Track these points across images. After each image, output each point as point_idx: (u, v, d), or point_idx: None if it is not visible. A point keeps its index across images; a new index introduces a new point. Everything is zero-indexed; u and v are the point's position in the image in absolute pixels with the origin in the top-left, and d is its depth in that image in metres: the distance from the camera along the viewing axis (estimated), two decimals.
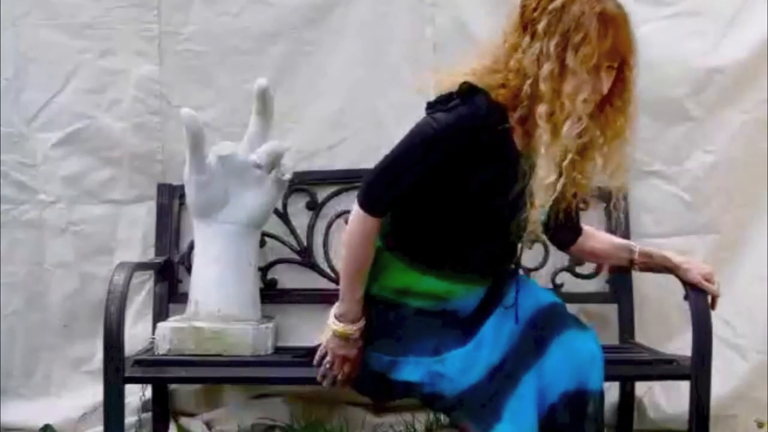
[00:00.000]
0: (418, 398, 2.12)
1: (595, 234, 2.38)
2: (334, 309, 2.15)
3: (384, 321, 2.12)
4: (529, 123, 2.01)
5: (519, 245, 2.12)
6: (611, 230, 2.92)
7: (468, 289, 2.11)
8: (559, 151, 1.96)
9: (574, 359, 2.02)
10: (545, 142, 1.95)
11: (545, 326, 2.04)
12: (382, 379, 2.13)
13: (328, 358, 2.16)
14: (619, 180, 2.10)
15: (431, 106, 2.05)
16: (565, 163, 1.97)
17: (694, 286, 2.33)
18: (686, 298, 2.39)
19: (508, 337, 2.05)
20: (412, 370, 2.07)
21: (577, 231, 2.32)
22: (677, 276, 2.36)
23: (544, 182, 1.97)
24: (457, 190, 2.02)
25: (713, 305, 2.36)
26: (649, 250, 2.36)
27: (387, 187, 2.04)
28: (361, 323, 2.12)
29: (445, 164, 2.00)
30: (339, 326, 2.12)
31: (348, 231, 2.08)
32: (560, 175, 1.98)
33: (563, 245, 2.37)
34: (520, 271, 2.18)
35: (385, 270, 2.11)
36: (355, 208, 2.06)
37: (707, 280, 2.33)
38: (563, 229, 2.21)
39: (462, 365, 2.04)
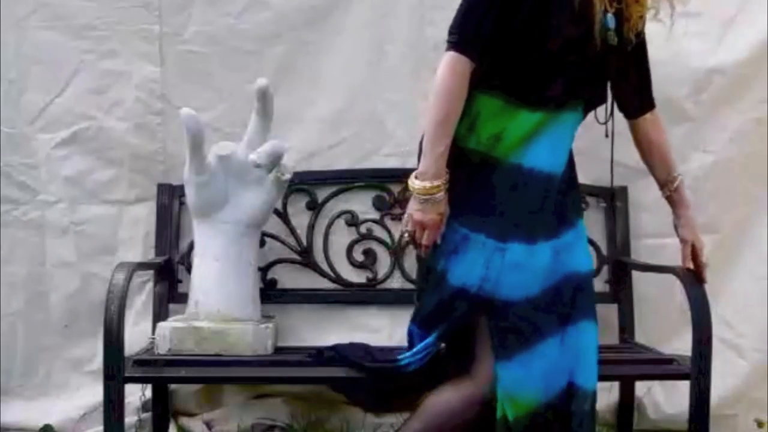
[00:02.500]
0: (462, 307, 2.12)
1: (659, 129, 2.37)
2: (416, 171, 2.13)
3: (472, 184, 2.11)
4: None
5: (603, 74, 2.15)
6: (611, 230, 2.93)
7: (561, 120, 2.10)
8: None
9: (577, 353, 2.10)
10: None
11: (573, 303, 2.10)
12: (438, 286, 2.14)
13: (408, 226, 2.15)
14: None
15: None
16: None
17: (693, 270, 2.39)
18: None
19: (549, 275, 2.10)
20: (474, 258, 2.08)
21: (647, 104, 2.33)
22: (675, 226, 2.40)
23: None
24: (538, 21, 2.04)
25: (699, 277, 2.39)
26: (681, 191, 2.36)
27: (476, 27, 2.05)
28: (443, 180, 2.08)
29: None
30: (418, 184, 2.08)
31: (438, 77, 2.07)
32: None
33: (629, 111, 2.34)
34: None
35: (479, 117, 2.10)
36: (446, 55, 2.07)
37: (697, 254, 2.36)
38: (635, 93, 2.26)
39: (516, 263, 2.07)
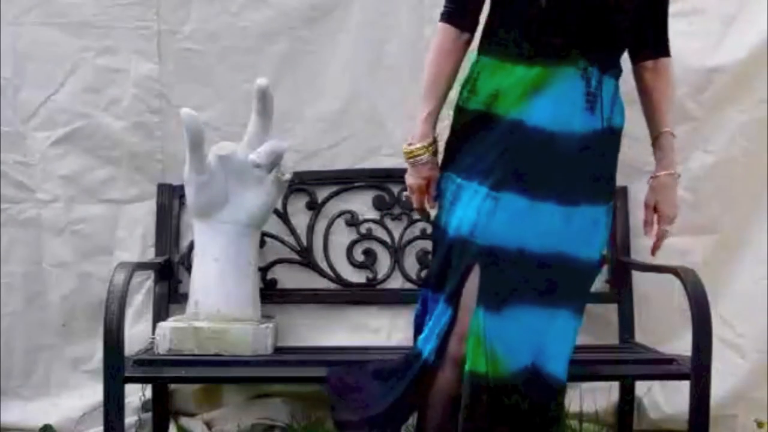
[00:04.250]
0: (457, 256, 2.09)
1: (663, 79, 2.27)
2: None
3: (470, 138, 2.13)
4: None
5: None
6: (611, 230, 2.93)
7: (560, 76, 2.08)
8: None
9: (552, 338, 2.08)
10: None
11: (562, 290, 2.08)
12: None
13: (407, 192, 2.25)
14: None
15: None
16: None
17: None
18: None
19: (556, 239, 2.08)
20: (466, 205, 2.09)
21: (660, 49, 2.27)
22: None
23: None
24: None
25: (654, 247, 2.29)
26: (663, 150, 2.25)
27: None
28: (426, 142, 2.15)
29: None
30: (405, 147, 2.18)
31: (431, 46, 2.17)
32: None
33: (637, 55, 2.27)
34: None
35: (479, 77, 2.14)
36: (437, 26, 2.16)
37: (663, 218, 2.24)
38: (647, 36, 2.22)
39: (512, 213, 2.06)
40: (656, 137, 2.26)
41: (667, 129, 2.25)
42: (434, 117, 2.17)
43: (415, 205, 2.25)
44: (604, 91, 2.12)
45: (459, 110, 2.18)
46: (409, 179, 2.21)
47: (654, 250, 2.31)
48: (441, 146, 2.23)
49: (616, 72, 2.18)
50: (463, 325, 2.09)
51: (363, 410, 2.20)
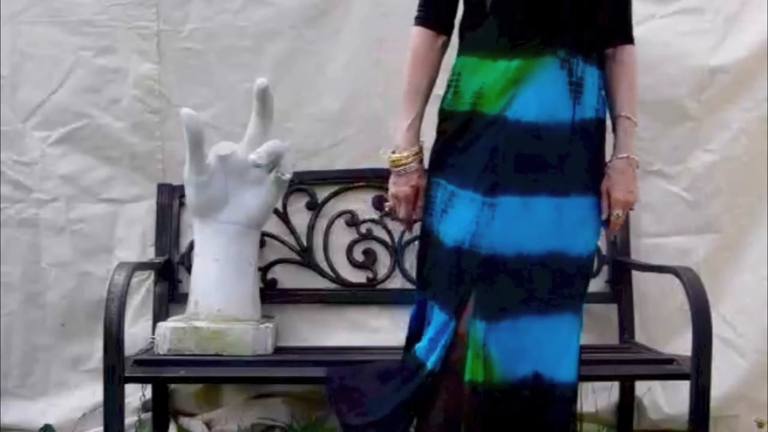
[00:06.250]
0: (452, 263, 2.06)
1: (626, 66, 2.20)
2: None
3: (458, 142, 2.10)
4: None
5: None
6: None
7: (541, 67, 2.05)
8: None
9: (553, 344, 2.07)
10: None
11: (560, 292, 2.06)
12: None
13: (389, 202, 2.19)
14: None
15: None
16: None
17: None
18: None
19: (549, 235, 2.05)
20: (463, 214, 2.06)
21: (622, 37, 2.20)
22: None
23: None
24: None
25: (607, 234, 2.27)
26: (619, 136, 2.19)
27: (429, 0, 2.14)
28: (412, 151, 2.12)
29: None
30: (390, 156, 2.14)
31: (408, 52, 2.16)
32: None
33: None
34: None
35: (461, 78, 2.11)
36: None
37: (614, 202, 2.16)
38: (612, 24, 2.15)
39: (509, 218, 2.04)
40: (613, 122, 2.21)
41: (624, 113, 2.20)
42: (419, 123, 2.15)
43: (401, 215, 2.19)
44: (588, 80, 2.10)
45: (444, 114, 2.14)
46: (395, 188, 2.16)
47: (607, 234, 2.29)
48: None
49: (600, 60, 2.14)
50: (464, 335, 2.07)
51: (365, 414, 2.18)
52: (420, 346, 2.16)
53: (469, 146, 2.09)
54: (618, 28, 2.21)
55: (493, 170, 2.06)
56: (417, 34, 2.16)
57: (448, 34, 2.17)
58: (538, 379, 2.07)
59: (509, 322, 2.05)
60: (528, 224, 2.07)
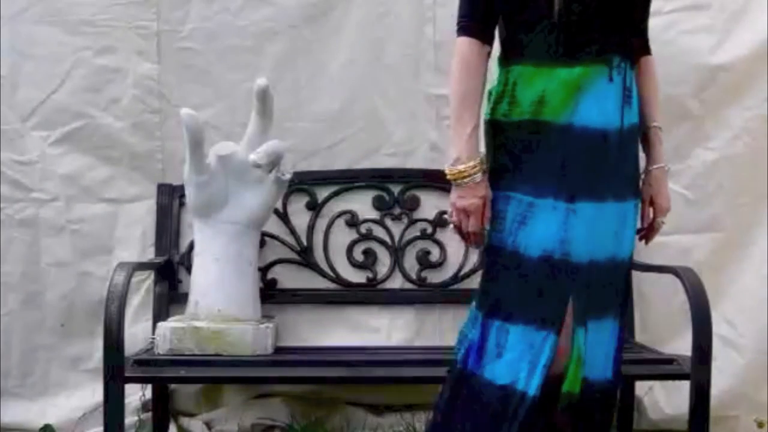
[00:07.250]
0: (543, 275, 2.02)
1: (650, 76, 2.23)
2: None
3: (525, 152, 2.05)
4: None
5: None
6: None
7: (599, 73, 2.04)
8: None
9: (605, 349, 2.07)
10: None
11: (613, 296, 2.06)
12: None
13: (453, 217, 2.09)
14: None
15: None
16: None
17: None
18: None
19: (612, 243, 2.05)
20: (547, 223, 2.01)
21: (646, 48, 2.23)
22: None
23: None
24: None
25: (648, 238, 2.27)
26: (652, 144, 2.22)
27: (471, 8, 2.08)
28: (477, 160, 2.05)
29: None
30: (454, 169, 2.05)
31: (453, 62, 2.10)
32: None
33: None
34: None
35: (516, 86, 2.07)
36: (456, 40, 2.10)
37: (659, 210, 2.21)
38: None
39: (586, 223, 2.02)
40: (645, 132, 2.23)
41: (656, 124, 2.23)
42: (477, 133, 2.07)
43: (470, 229, 2.08)
44: (634, 86, 2.12)
45: (500, 126, 2.08)
46: (463, 202, 2.06)
47: (648, 240, 2.29)
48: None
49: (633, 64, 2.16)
50: (561, 347, 2.03)
51: None
52: (501, 373, 2.04)
53: (539, 155, 2.05)
54: (643, 40, 2.23)
55: (568, 177, 2.04)
56: (466, 44, 2.07)
57: (491, 44, 2.12)
58: (586, 383, 2.04)
59: (590, 326, 2.04)
60: (601, 230, 2.06)
